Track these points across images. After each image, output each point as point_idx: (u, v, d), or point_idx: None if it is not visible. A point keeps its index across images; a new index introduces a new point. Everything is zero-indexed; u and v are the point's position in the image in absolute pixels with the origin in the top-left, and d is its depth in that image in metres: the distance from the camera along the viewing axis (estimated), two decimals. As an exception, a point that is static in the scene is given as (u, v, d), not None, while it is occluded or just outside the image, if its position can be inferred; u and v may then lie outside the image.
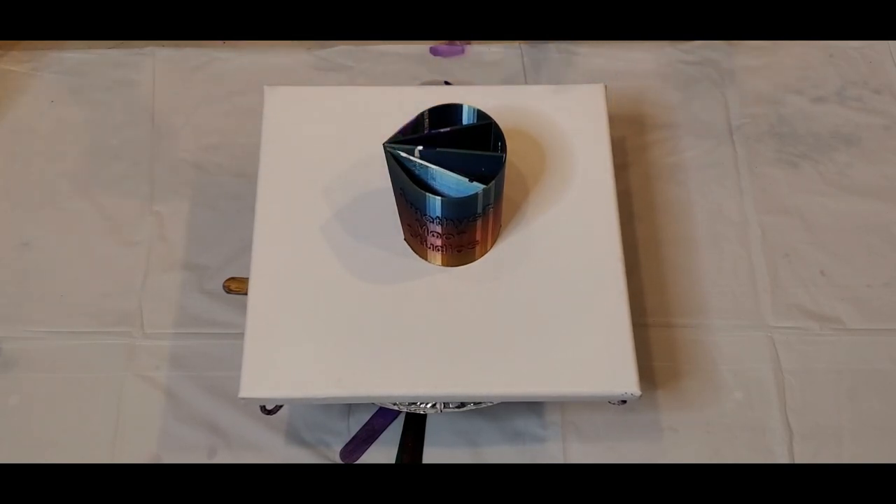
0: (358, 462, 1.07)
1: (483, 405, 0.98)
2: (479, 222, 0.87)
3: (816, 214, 1.22)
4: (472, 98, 0.92)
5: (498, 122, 0.86)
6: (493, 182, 0.83)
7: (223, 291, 1.11)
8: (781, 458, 1.07)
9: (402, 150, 0.83)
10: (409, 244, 0.95)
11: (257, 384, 0.89)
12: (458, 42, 1.31)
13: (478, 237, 0.90)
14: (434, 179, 0.84)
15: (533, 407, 1.09)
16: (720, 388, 1.10)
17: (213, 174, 1.24)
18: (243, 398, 0.88)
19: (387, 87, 1.05)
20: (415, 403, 0.98)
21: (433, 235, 0.89)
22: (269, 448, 1.07)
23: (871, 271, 1.18)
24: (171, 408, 1.09)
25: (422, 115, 0.86)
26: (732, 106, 1.30)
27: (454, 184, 0.84)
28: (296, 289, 0.93)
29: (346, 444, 1.07)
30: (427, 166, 0.83)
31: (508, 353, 0.90)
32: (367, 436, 1.08)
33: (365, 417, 1.09)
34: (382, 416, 1.08)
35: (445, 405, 0.98)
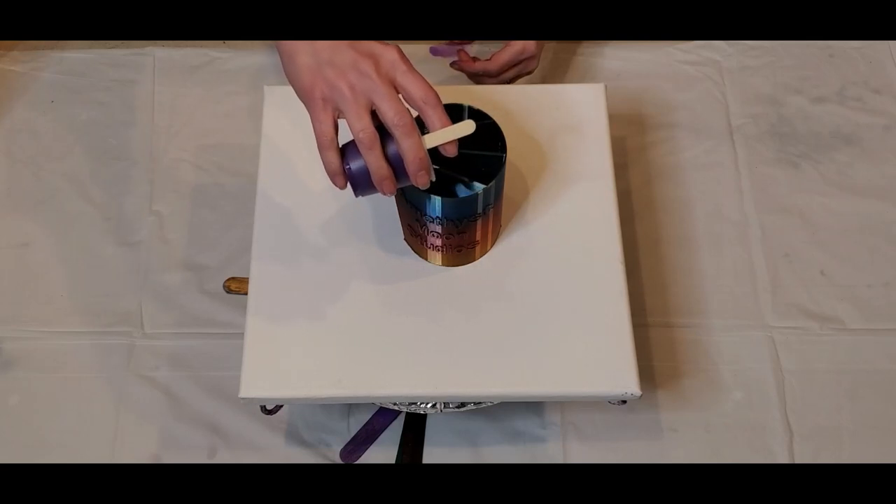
0: (358, 462, 1.07)
1: (483, 405, 0.98)
2: (479, 222, 0.87)
3: (816, 214, 1.22)
4: (473, 98, 0.91)
5: (498, 122, 0.86)
6: (493, 182, 0.83)
7: (223, 291, 1.11)
8: (781, 458, 1.07)
9: (402, 150, 0.83)
10: (409, 244, 0.95)
11: (257, 384, 0.89)
12: (458, 42, 1.31)
13: (478, 237, 0.90)
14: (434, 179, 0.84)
15: (533, 407, 1.09)
16: (720, 388, 1.10)
17: (213, 174, 1.24)
18: (243, 398, 0.88)
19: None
20: (415, 403, 0.98)
21: (433, 235, 0.88)
22: (269, 448, 1.07)
23: (871, 271, 1.18)
24: (171, 408, 1.09)
25: (422, 115, 0.86)
26: (732, 106, 1.30)
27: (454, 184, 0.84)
28: (296, 289, 0.93)
29: (346, 444, 1.07)
30: (427, 166, 0.83)
31: (508, 353, 0.90)
32: (367, 436, 1.08)
33: (365, 417, 1.09)
34: (382, 416, 1.08)
35: (445, 405, 0.98)
